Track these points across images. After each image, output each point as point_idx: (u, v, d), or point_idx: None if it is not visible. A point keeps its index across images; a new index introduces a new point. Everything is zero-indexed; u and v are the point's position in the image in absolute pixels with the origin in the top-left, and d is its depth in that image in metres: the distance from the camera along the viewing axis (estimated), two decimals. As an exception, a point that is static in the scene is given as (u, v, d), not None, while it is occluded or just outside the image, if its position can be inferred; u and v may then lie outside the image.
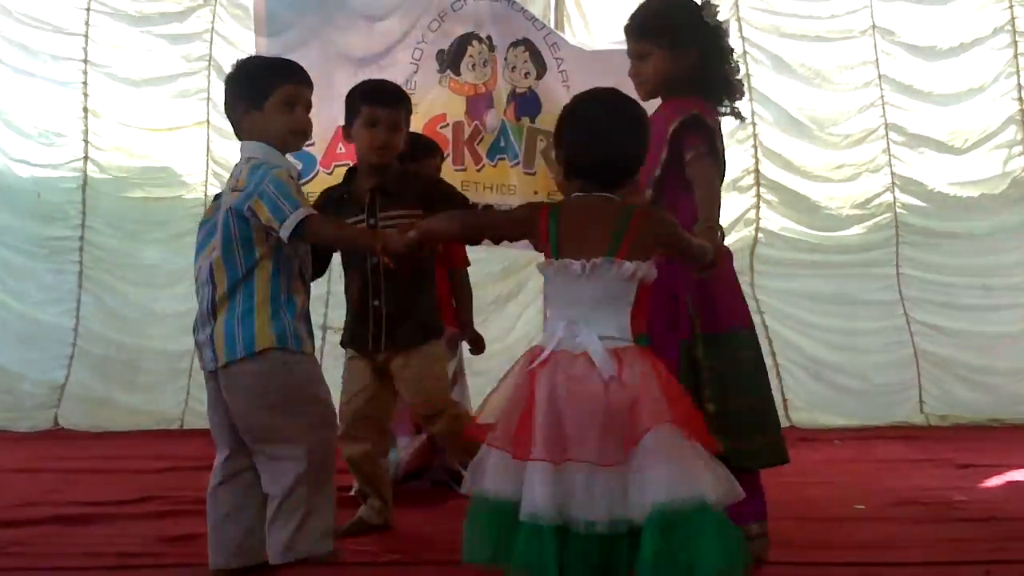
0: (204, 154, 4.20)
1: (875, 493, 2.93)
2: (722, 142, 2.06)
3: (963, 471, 3.24)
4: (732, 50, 2.13)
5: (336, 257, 2.43)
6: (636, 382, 1.57)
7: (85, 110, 4.17)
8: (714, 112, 2.12)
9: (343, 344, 2.46)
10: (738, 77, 2.11)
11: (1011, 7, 4.04)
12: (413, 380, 2.37)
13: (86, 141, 4.17)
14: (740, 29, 4.13)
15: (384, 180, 2.40)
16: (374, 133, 2.37)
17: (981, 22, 4.12)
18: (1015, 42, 4.05)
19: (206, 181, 4.19)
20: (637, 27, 2.17)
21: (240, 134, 2.11)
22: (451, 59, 3.49)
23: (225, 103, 2.14)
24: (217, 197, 2.17)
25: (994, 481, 3.10)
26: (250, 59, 2.29)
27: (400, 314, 2.35)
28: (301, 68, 2.16)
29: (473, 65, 3.50)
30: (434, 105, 3.46)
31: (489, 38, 3.51)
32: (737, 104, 2.13)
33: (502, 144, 3.55)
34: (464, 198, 2.63)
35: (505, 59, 3.54)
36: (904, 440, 3.80)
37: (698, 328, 2.02)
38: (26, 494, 3.05)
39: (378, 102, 2.39)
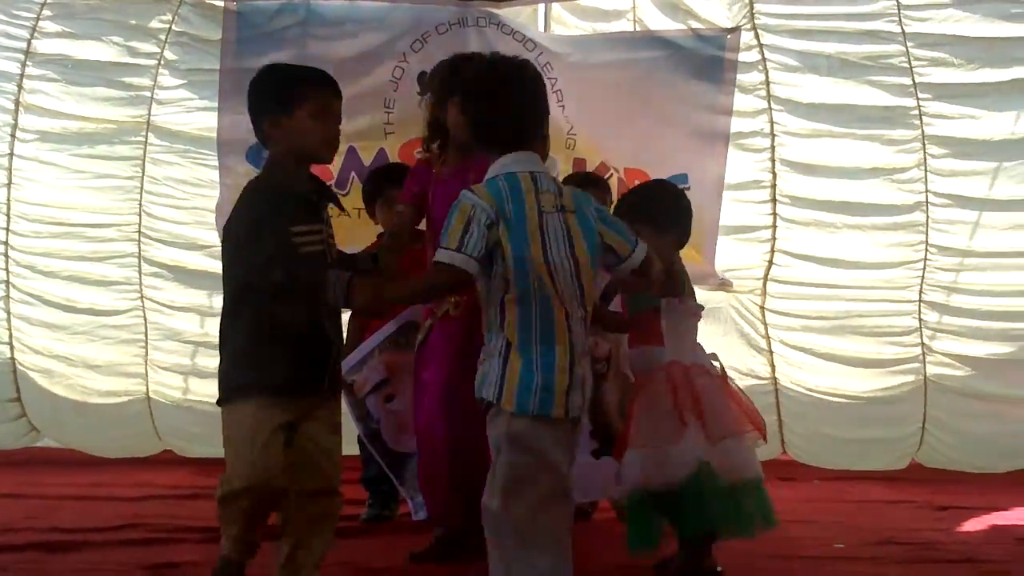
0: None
1: (855, 533, 3.40)
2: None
3: (943, 512, 3.72)
4: None
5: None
6: None
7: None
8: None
9: (261, 385, 2.27)
10: None
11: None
12: (335, 440, 2.42)
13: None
14: (757, 36, 4.26)
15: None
16: (328, 125, 2.40)
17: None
18: None
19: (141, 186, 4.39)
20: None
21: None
22: (433, 84, 3.79)
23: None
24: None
25: (973, 524, 3.57)
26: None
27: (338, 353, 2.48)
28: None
29: (455, 93, 3.79)
30: (411, 128, 3.77)
31: (478, 66, 3.79)
32: None
33: (488, 174, 3.84)
34: None
35: (498, 85, 3.82)
36: (883, 480, 4.27)
37: None
38: (6, 520, 3.45)
39: (331, 87, 2.43)
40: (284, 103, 2.33)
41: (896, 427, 4.40)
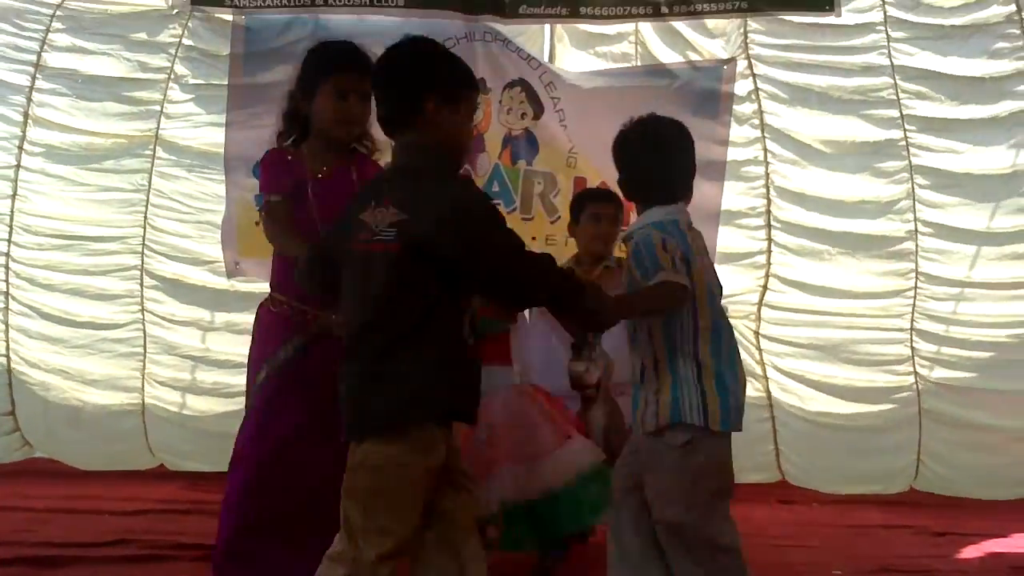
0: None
1: (852, 559, 3.37)
2: None
3: (941, 539, 3.70)
4: None
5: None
6: None
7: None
8: None
9: (437, 411, 2.08)
10: None
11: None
12: None
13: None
14: (751, 66, 4.33)
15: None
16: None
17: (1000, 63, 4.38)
18: None
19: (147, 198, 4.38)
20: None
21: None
22: (439, 99, 3.83)
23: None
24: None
25: (971, 551, 3.55)
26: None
27: None
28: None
29: (463, 108, 3.84)
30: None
31: (483, 80, 3.90)
32: None
33: (495, 189, 3.92)
34: None
35: (500, 101, 3.89)
36: (881, 505, 4.23)
37: None
38: (-5, 533, 3.39)
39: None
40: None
41: (892, 456, 4.38)
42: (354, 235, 2.08)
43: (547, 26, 4.28)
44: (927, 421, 4.32)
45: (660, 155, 2.39)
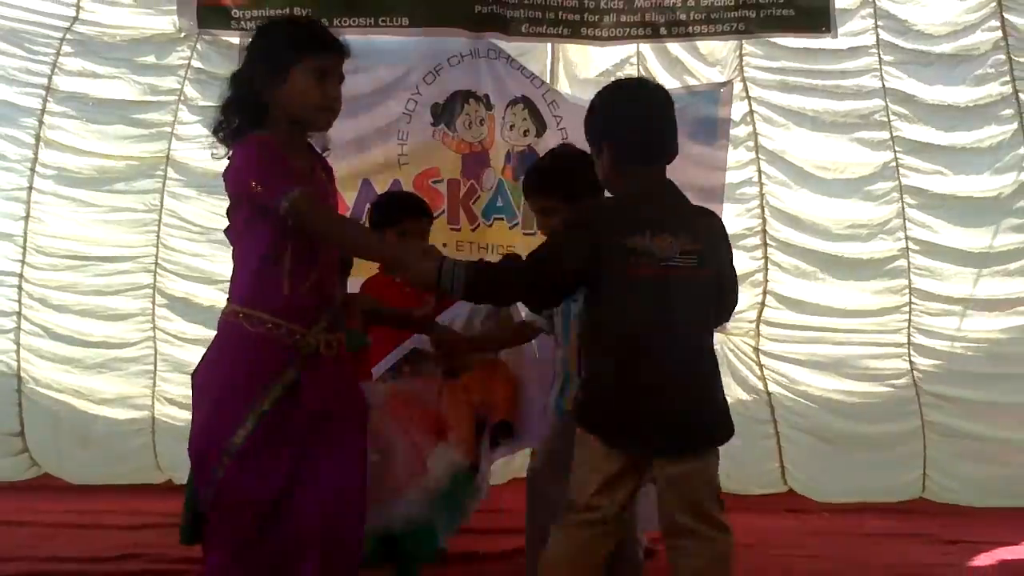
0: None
1: (863, 568, 3.34)
2: None
3: (952, 547, 3.65)
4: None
5: None
6: None
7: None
8: None
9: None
10: None
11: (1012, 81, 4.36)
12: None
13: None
14: (746, 88, 4.43)
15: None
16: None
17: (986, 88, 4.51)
18: (1020, 113, 4.35)
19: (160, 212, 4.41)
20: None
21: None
22: (446, 115, 3.90)
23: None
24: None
25: (982, 559, 3.50)
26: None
27: None
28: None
29: (469, 124, 3.91)
30: (426, 158, 3.86)
31: (487, 96, 3.92)
32: None
33: (499, 204, 3.93)
34: None
35: (503, 118, 3.93)
36: (892, 513, 4.19)
37: None
38: (1, 548, 3.34)
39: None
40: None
41: (897, 470, 4.37)
42: (628, 260, 2.13)
43: (549, 47, 4.33)
44: (930, 434, 4.33)
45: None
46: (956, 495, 4.30)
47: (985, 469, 4.29)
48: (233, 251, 2.27)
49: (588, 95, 4.09)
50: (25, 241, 4.37)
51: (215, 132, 2.22)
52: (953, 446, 4.33)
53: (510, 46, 3.99)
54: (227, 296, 2.27)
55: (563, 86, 4.41)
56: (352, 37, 3.96)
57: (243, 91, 2.19)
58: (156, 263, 4.40)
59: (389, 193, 3.59)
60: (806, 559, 3.43)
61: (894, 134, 4.40)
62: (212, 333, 4.21)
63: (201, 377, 2.29)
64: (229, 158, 2.20)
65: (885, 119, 4.40)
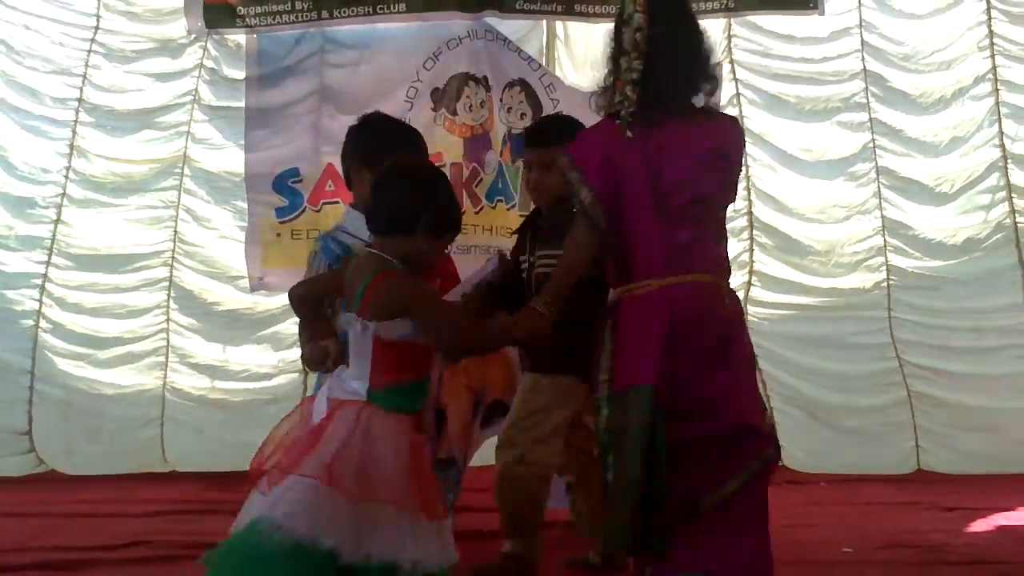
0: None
1: (862, 536, 3.34)
2: None
3: (949, 514, 3.67)
4: None
5: None
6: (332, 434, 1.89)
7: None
8: None
9: None
10: None
11: (992, 56, 4.50)
12: None
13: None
14: (733, 71, 4.49)
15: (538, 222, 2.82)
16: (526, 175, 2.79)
17: (964, 72, 4.60)
18: (996, 91, 4.50)
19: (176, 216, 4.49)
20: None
21: (349, 186, 2.55)
22: (447, 99, 3.88)
23: (343, 152, 2.55)
24: None
25: (980, 525, 3.53)
26: (375, 118, 2.63)
27: None
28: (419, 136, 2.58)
29: (470, 106, 3.90)
30: (429, 144, 3.77)
31: (485, 78, 3.90)
32: None
33: (500, 186, 3.93)
34: None
35: (501, 100, 3.93)
36: (889, 482, 4.23)
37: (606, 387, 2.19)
38: (13, 539, 3.31)
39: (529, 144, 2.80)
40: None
41: (890, 443, 4.45)
42: None
43: (544, 28, 4.34)
44: (920, 404, 4.42)
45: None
46: (951, 465, 4.36)
47: (977, 438, 4.36)
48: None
49: (587, 76, 4.28)
50: (52, 243, 4.44)
51: None
52: (942, 416, 4.41)
53: (507, 29, 3.99)
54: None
55: (565, 67, 4.43)
56: (351, 27, 4.10)
57: None
58: (172, 257, 4.49)
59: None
60: (806, 529, 3.44)
61: (872, 115, 4.50)
62: (224, 325, 4.46)
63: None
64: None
65: (864, 100, 4.50)
